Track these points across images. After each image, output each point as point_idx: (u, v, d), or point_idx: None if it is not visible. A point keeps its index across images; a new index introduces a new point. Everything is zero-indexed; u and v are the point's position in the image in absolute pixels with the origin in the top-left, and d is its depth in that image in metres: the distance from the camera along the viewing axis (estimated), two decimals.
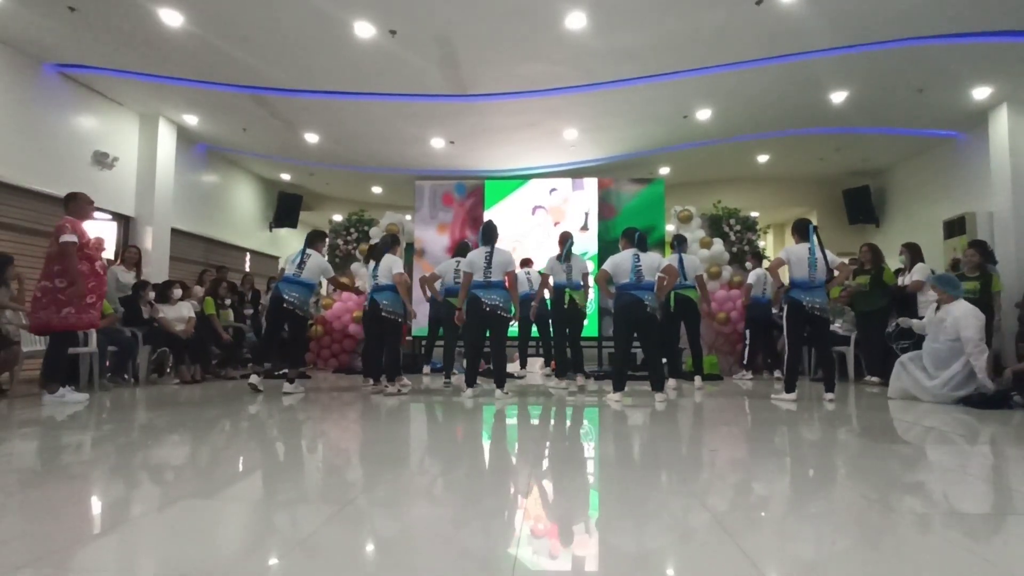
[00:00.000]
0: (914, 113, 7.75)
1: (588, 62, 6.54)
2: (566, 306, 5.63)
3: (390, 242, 5.65)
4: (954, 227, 7.96)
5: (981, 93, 7.06)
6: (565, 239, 5.85)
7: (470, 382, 5.09)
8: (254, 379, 5.20)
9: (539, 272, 6.82)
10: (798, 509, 1.99)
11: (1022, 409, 4.31)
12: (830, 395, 4.72)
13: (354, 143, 9.17)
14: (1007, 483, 2.38)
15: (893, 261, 7.03)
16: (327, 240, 5.89)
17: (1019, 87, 6.91)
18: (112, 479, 2.33)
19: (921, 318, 5.37)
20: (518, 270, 5.86)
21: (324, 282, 6.68)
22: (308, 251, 5.42)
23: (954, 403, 4.61)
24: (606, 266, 4.89)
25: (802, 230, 4.88)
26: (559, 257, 5.79)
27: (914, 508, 1.99)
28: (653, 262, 4.80)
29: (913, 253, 6.37)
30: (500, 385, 5.04)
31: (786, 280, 4.86)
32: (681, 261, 5.75)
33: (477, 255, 5.09)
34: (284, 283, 5.33)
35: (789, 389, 4.79)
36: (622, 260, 4.80)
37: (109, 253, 7.46)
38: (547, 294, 6.69)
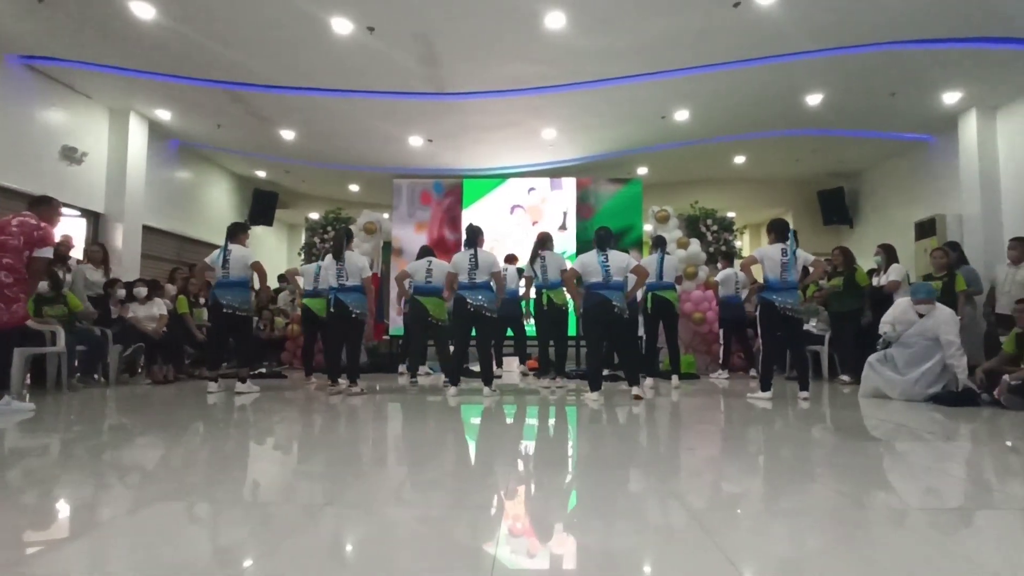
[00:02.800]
0: (887, 116, 7.91)
1: (567, 62, 6.54)
2: (545, 307, 5.61)
3: (349, 237, 5.54)
4: (925, 228, 8.14)
5: (951, 98, 7.23)
6: (541, 240, 5.80)
7: (455, 380, 5.08)
8: (212, 387, 5.17)
9: (517, 269, 6.81)
10: (773, 505, 2.01)
11: (990, 406, 4.41)
12: (804, 394, 4.79)
13: (331, 140, 9.06)
14: (978, 478, 2.43)
15: (867, 261, 7.16)
16: (248, 231, 5.62)
17: (987, 92, 7.09)
18: (80, 482, 2.25)
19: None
20: (503, 266, 5.86)
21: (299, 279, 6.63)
22: (230, 247, 5.25)
23: (924, 400, 4.71)
24: (575, 265, 4.95)
25: (778, 230, 4.93)
26: (530, 260, 5.73)
27: (887, 503, 2.02)
28: (621, 262, 4.83)
29: (888, 254, 6.49)
30: (487, 383, 5.03)
31: (760, 278, 4.93)
32: (662, 261, 5.78)
33: (461, 257, 5.10)
34: (218, 287, 5.21)
35: (765, 388, 4.84)
36: (590, 260, 4.84)
37: (78, 252, 7.25)
38: (522, 291, 6.70)
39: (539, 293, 5.62)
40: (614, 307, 4.70)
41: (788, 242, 4.79)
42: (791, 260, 4.73)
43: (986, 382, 4.59)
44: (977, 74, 6.61)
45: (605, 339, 4.95)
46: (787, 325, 4.85)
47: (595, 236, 4.97)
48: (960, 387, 4.66)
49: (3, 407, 3.89)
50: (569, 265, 5.95)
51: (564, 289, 5.50)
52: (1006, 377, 4.40)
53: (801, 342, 5.12)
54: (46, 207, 4.29)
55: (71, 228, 7.36)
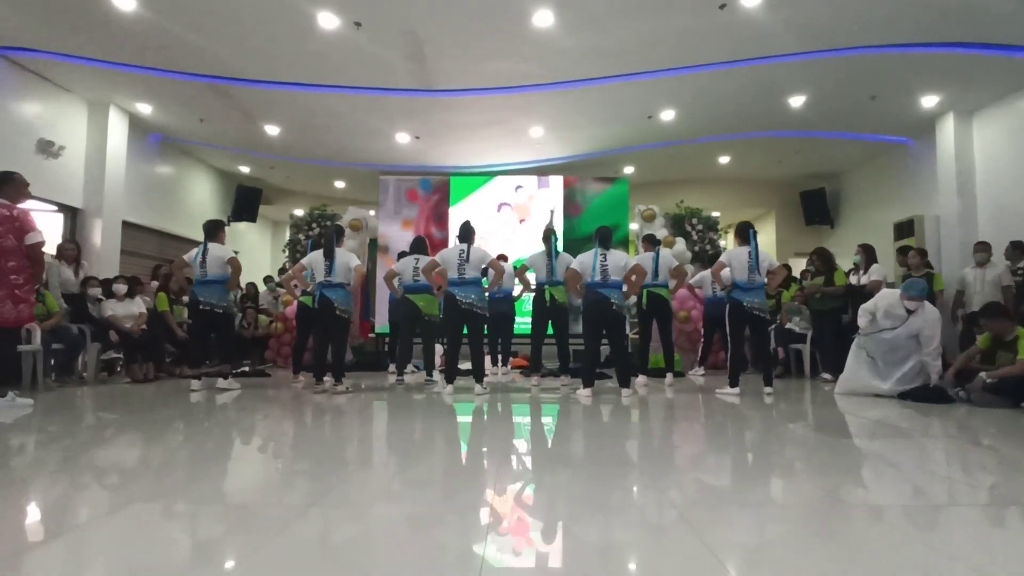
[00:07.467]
0: (867, 119, 8.03)
1: (555, 60, 6.55)
2: (547, 303, 5.53)
3: (339, 234, 5.54)
4: (903, 229, 8.29)
5: (929, 101, 7.35)
6: (549, 235, 5.69)
7: (450, 378, 5.06)
8: (195, 385, 5.20)
9: (514, 265, 6.74)
10: (752, 498, 2.04)
11: (963, 403, 4.50)
12: (768, 389, 4.97)
13: (317, 136, 8.98)
14: (957, 476, 2.48)
15: (848, 261, 7.26)
16: (226, 227, 5.70)
17: (964, 97, 7.23)
18: (53, 483, 2.21)
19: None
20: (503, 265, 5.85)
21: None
22: (207, 246, 5.27)
23: (898, 397, 4.79)
24: (574, 264, 4.99)
25: (743, 233, 5.08)
26: (548, 254, 5.57)
27: (865, 499, 2.05)
28: (619, 261, 4.86)
29: (868, 254, 6.61)
30: (479, 380, 5.03)
31: (729, 281, 5.05)
32: (657, 258, 5.80)
33: (450, 252, 5.10)
34: (196, 286, 5.28)
35: (733, 384, 4.96)
36: (586, 258, 4.91)
37: (51, 247, 7.10)
38: (517, 291, 6.67)
39: (542, 289, 5.54)
40: (612, 305, 4.76)
41: (752, 244, 4.94)
42: (755, 262, 4.88)
43: (954, 381, 4.69)
44: (954, 79, 6.73)
45: (601, 337, 4.98)
46: (752, 324, 5.01)
47: (597, 235, 5.00)
48: (932, 384, 4.75)
49: (7, 403, 3.92)
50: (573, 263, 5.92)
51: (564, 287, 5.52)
52: (982, 374, 4.47)
53: (765, 340, 5.27)
54: (8, 186, 3.97)
55: (47, 223, 7.22)
